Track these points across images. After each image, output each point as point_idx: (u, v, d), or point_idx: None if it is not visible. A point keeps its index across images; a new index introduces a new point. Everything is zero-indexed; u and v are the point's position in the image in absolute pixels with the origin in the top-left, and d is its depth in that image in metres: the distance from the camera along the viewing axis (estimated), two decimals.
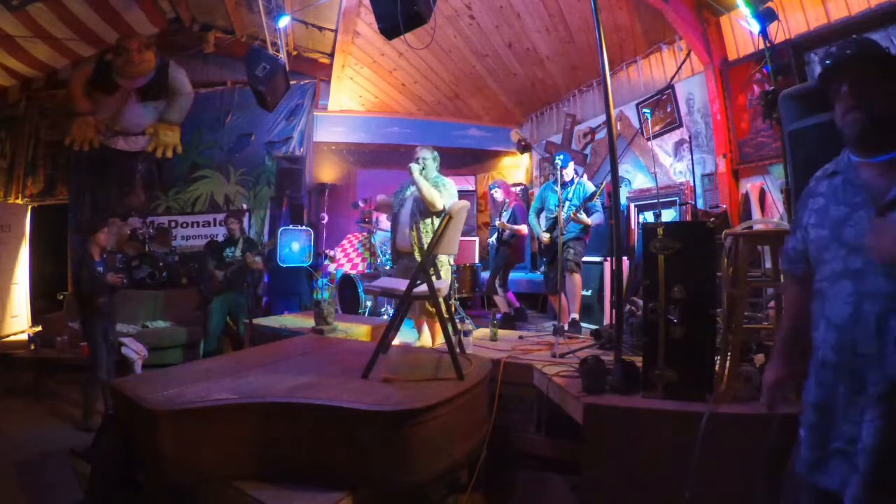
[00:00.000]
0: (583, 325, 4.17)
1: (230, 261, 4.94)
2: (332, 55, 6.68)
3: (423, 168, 3.55)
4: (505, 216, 5.19)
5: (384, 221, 5.64)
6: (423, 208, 3.51)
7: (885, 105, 1.14)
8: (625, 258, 4.40)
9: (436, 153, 3.68)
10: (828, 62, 1.21)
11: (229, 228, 5.13)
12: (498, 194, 5.38)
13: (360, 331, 3.88)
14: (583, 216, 4.12)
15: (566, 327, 3.85)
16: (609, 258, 4.67)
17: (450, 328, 2.42)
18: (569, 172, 4.34)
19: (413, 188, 3.58)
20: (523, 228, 5.07)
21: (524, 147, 7.38)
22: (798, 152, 2.01)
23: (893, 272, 1.08)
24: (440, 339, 3.64)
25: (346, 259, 6.77)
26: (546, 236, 4.32)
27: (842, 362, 1.16)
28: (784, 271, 1.44)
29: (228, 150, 6.95)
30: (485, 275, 5.60)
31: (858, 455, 1.10)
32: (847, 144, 1.22)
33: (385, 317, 5.00)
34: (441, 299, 2.48)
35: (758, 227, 3.27)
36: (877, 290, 1.10)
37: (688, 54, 4.79)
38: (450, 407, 1.98)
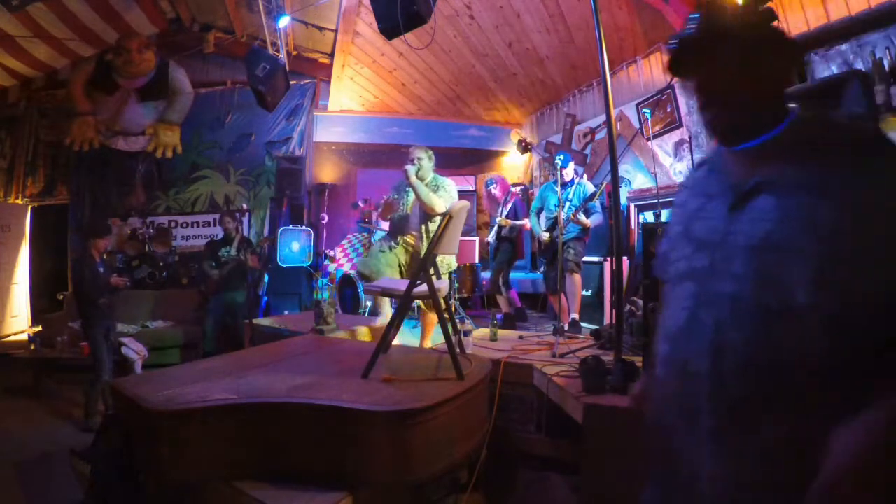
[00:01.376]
0: (583, 325, 4.17)
1: (226, 260, 4.95)
2: (332, 55, 6.68)
3: (419, 168, 3.46)
4: (505, 212, 5.15)
5: (384, 222, 5.61)
6: (425, 212, 3.45)
7: (744, 91, 0.88)
8: (625, 258, 4.40)
9: (431, 152, 3.59)
10: (668, 53, 0.94)
11: (224, 227, 5.14)
12: (496, 190, 5.36)
13: (359, 330, 3.88)
14: (582, 218, 4.12)
15: (566, 327, 3.85)
16: (609, 258, 4.67)
17: (450, 328, 2.42)
18: (569, 172, 4.34)
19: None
20: (526, 223, 5.06)
21: (524, 147, 7.38)
22: None
23: (745, 271, 0.83)
24: (429, 339, 3.65)
25: (346, 259, 6.77)
26: (546, 236, 4.31)
27: (670, 382, 0.95)
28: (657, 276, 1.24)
29: (228, 150, 6.96)
30: (485, 274, 5.59)
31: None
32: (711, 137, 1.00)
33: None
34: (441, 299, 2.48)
35: None
36: (719, 291, 0.86)
37: None
38: (450, 407, 1.98)
